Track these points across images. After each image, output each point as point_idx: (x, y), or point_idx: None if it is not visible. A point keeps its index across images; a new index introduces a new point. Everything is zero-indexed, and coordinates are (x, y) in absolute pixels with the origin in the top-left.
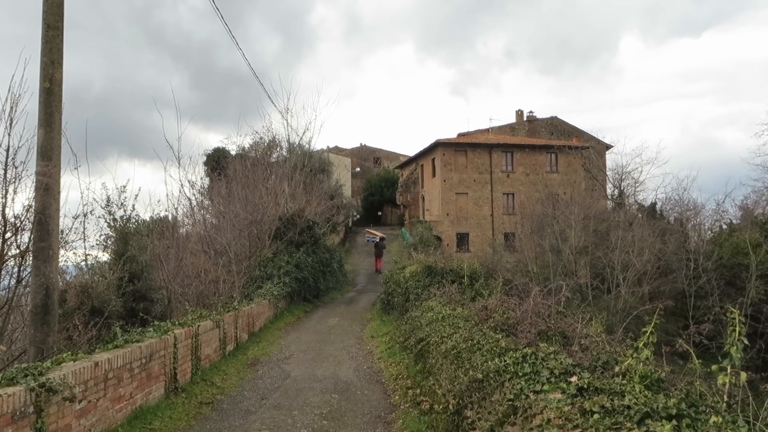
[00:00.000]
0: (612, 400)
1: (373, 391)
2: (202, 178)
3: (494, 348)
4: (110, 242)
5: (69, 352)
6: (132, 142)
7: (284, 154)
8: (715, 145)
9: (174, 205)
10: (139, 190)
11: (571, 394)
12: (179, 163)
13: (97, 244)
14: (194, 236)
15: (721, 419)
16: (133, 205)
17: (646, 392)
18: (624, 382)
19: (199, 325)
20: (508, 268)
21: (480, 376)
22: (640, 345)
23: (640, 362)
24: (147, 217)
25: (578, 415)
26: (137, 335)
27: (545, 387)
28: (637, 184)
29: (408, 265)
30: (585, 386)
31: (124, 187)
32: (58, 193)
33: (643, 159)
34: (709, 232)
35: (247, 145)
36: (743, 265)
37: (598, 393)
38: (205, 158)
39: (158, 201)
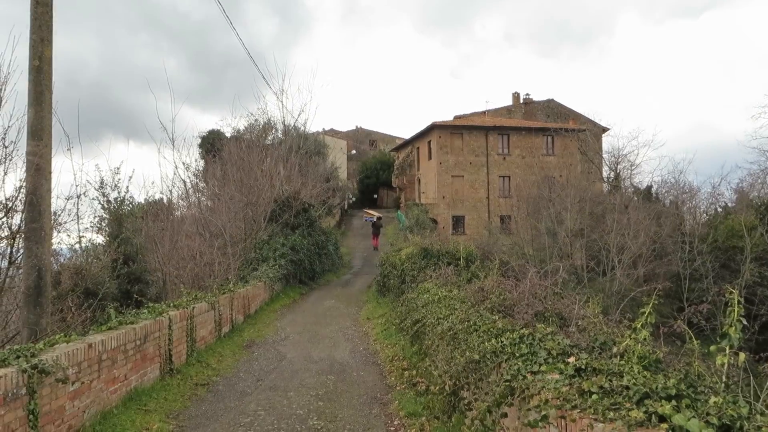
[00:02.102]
0: (610, 380)
1: (369, 373)
2: (196, 160)
3: (491, 329)
4: (104, 224)
5: (62, 334)
6: (128, 125)
7: (279, 136)
8: (711, 129)
9: (168, 187)
10: (133, 171)
11: (569, 374)
12: (173, 145)
13: (91, 226)
14: (189, 219)
15: (721, 399)
16: (127, 187)
17: (644, 373)
18: (622, 362)
19: (194, 307)
20: (504, 251)
21: (477, 357)
22: (638, 326)
23: (638, 343)
24: (142, 200)
25: (576, 395)
26: (132, 317)
27: (543, 368)
28: (633, 167)
29: (404, 247)
30: (583, 367)
31: (118, 168)
32: (50, 173)
33: (640, 142)
34: (705, 215)
35: (242, 128)
36: (738, 248)
37: (597, 373)
38: (200, 140)
39: (152, 183)
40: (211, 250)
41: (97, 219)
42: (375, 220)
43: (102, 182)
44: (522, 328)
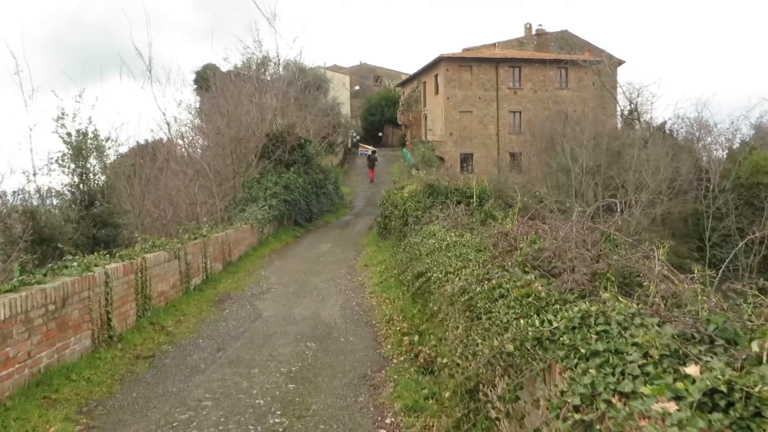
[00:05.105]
0: None
1: (361, 338)
2: (188, 101)
3: (526, 298)
4: (66, 160)
5: None
6: (134, 65)
7: (280, 72)
8: (737, 58)
9: (158, 125)
10: (96, 99)
11: (694, 403)
12: (150, 73)
13: (48, 163)
14: (164, 153)
15: None
16: (90, 118)
17: None
18: None
19: (145, 258)
20: (515, 189)
21: (511, 347)
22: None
23: None
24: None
25: None
26: (42, 275)
27: (644, 388)
28: (654, 98)
29: (407, 184)
30: (721, 389)
31: (80, 96)
32: None
33: (662, 72)
34: (723, 150)
35: (239, 63)
36: (763, 185)
37: (748, 405)
38: (194, 77)
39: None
40: (192, 189)
41: (54, 156)
42: (370, 153)
43: (63, 113)
44: (578, 298)
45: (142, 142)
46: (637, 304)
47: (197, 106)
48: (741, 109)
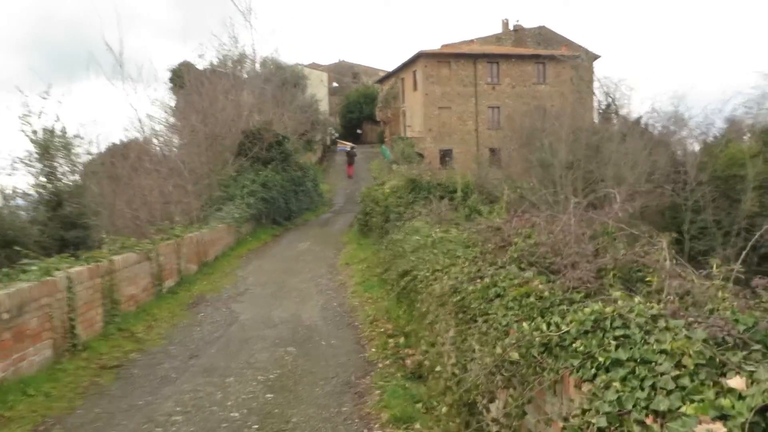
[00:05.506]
0: None
1: (343, 341)
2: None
3: (526, 297)
4: (32, 159)
5: None
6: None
7: (257, 69)
8: (714, 54)
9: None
10: (63, 95)
11: (745, 424)
12: (121, 69)
13: (12, 163)
14: (137, 151)
15: None
16: (57, 115)
17: None
18: None
19: (113, 260)
20: (495, 184)
21: (516, 355)
22: None
23: None
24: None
25: None
26: None
27: (676, 401)
28: (631, 92)
29: (388, 179)
30: None
31: (47, 92)
32: None
33: (639, 67)
34: (698, 144)
35: (216, 61)
36: (739, 177)
37: None
38: (170, 75)
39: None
40: (168, 189)
41: (19, 156)
42: (349, 149)
43: (29, 110)
44: (586, 297)
45: (116, 141)
46: (658, 303)
47: (172, 104)
48: (716, 102)
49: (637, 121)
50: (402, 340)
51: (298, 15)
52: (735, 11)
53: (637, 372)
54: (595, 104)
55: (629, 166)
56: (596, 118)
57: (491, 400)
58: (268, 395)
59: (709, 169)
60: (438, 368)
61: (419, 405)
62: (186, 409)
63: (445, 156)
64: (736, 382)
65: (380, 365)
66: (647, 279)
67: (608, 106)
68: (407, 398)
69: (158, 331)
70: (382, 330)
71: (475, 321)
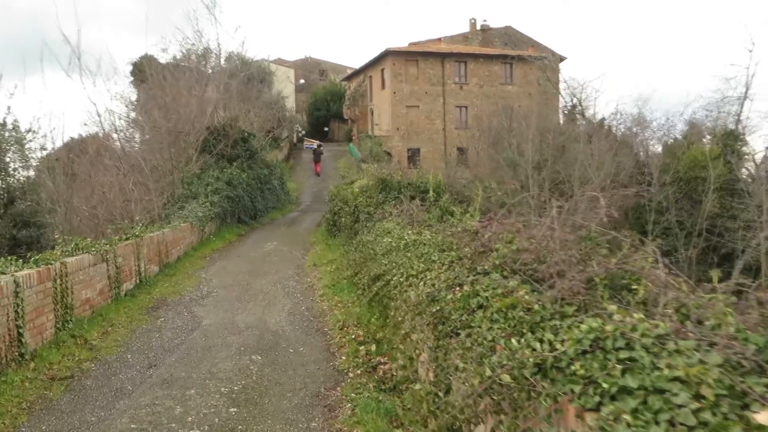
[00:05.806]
0: None
1: (312, 348)
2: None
3: (512, 309)
4: None
5: None
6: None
7: (222, 64)
8: (678, 59)
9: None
10: (15, 87)
11: None
12: (79, 61)
13: None
14: (95, 146)
15: None
16: (9, 107)
17: None
18: None
19: (65, 262)
20: (463, 184)
21: (507, 377)
22: None
23: None
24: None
25: None
26: None
27: None
28: (597, 93)
29: (357, 178)
30: None
31: None
32: None
33: (603, 69)
34: (659, 145)
35: (179, 55)
36: (701, 178)
37: None
38: (131, 68)
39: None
40: (128, 186)
41: None
42: (315, 147)
43: None
44: (578, 310)
45: (74, 136)
46: (653, 318)
47: (134, 98)
48: (678, 106)
49: (602, 122)
50: (373, 347)
51: (264, 10)
52: (698, 16)
53: (649, 403)
54: (561, 105)
55: (595, 167)
56: (562, 119)
57: (477, 424)
58: (232, 409)
59: (672, 171)
60: (417, 386)
61: (398, 430)
62: (142, 426)
63: (413, 155)
64: (764, 417)
65: (351, 374)
66: (633, 287)
67: (574, 107)
68: (380, 413)
69: (115, 337)
70: (353, 336)
71: (457, 334)
